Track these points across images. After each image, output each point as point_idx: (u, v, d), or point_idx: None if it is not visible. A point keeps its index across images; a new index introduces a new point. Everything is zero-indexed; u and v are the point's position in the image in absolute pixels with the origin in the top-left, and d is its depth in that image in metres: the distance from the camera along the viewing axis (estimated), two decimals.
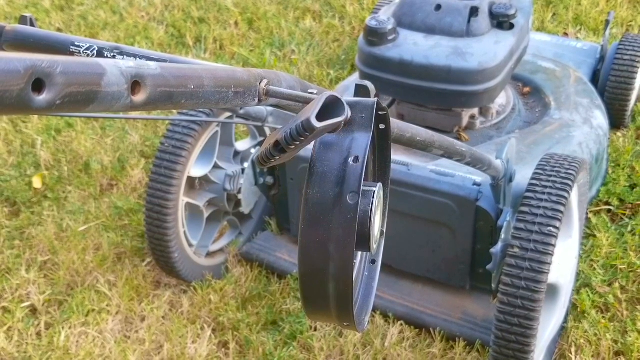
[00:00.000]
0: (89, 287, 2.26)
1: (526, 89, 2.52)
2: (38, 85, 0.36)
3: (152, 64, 0.44)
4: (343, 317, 0.61)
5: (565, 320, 2.02)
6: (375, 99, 0.58)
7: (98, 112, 0.41)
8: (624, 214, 2.43)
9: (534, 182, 1.69)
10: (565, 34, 3.54)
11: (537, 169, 1.74)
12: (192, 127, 2.01)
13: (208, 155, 2.11)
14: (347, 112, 0.54)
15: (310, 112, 0.51)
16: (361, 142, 0.56)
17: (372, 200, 0.58)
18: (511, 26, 2.08)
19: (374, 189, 0.59)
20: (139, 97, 0.43)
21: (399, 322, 2.04)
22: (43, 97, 0.36)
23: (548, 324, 1.88)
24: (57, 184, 2.75)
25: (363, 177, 0.55)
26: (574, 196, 1.86)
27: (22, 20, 0.97)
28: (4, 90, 0.33)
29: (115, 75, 0.40)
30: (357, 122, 0.56)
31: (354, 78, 2.72)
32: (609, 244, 2.26)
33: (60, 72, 0.36)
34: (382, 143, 0.67)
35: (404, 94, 2.14)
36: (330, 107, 0.54)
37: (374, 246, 0.61)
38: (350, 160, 0.55)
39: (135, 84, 0.43)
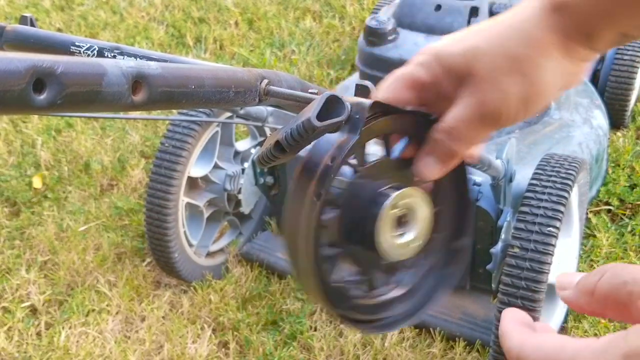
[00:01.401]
0: (89, 287, 2.26)
1: None
2: (39, 85, 0.36)
3: (152, 63, 0.44)
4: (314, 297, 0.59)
5: (565, 320, 2.02)
6: (372, 100, 0.57)
7: (99, 112, 0.41)
8: (624, 214, 2.43)
9: (534, 182, 1.69)
10: None
11: (537, 169, 1.74)
12: (192, 127, 2.01)
13: (208, 155, 2.11)
14: (348, 111, 0.54)
15: (311, 112, 0.51)
16: (345, 143, 0.55)
17: (384, 205, 0.57)
18: None
19: (391, 195, 0.57)
20: (140, 97, 0.43)
21: None
22: (44, 97, 0.36)
23: (548, 323, 1.88)
24: (57, 184, 2.75)
25: (333, 177, 0.54)
26: (574, 196, 1.86)
27: (22, 20, 0.97)
28: (4, 90, 0.33)
29: (116, 75, 0.40)
30: (350, 123, 0.55)
31: (354, 78, 2.72)
32: (609, 244, 2.27)
33: (61, 72, 0.36)
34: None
35: None
36: (331, 107, 0.54)
37: (385, 251, 0.59)
38: (329, 160, 0.55)
39: (136, 84, 0.43)
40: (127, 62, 0.42)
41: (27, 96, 0.35)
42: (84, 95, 0.38)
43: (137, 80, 0.43)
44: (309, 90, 0.63)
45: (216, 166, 2.16)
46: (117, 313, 2.17)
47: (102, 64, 0.40)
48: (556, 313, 1.92)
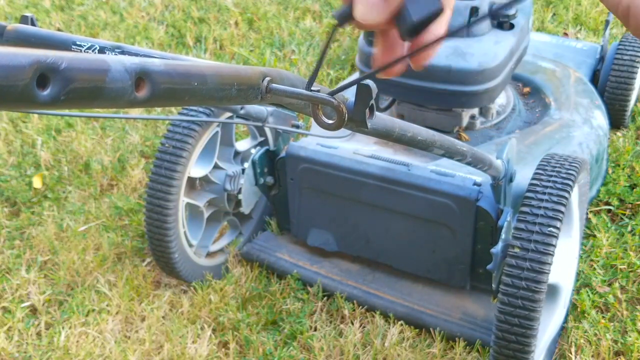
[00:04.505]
0: (89, 287, 2.26)
1: (526, 89, 2.52)
2: (42, 80, 0.36)
3: (156, 60, 0.44)
4: None
5: (565, 320, 2.02)
6: None
7: (102, 108, 0.41)
8: (624, 214, 2.43)
9: (535, 182, 1.69)
10: (565, 34, 3.54)
11: (537, 169, 1.74)
12: (192, 127, 2.01)
13: (208, 155, 2.11)
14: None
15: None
16: None
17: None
18: (511, 26, 2.09)
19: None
20: (143, 94, 0.43)
21: (399, 322, 2.04)
22: (47, 93, 0.36)
23: (548, 323, 1.88)
24: (57, 184, 2.75)
25: None
26: (574, 196, 1.86)
27: (23, 19, 0.97)
28: (8, 85, 0.33)
29: (119, 72, 0.40)
30: None
31: (355, 78, 2.72)
32: (609, 244, 2.27)
33: (65, 68, 0.36)
34: None
35: (404, 94, 2.14)
36: None
37: None
38: None
39: (139, 81, 0.43)
40: (130, 58, 0.42)
41: (30, 91, 0.35)
42: (88, 91, 0.38)
43: (140, 77, 0.43)
44: (311, 88, 0.63)
45: (216, 166, 2.16)
46: (117, 313, 2.16)
47: (105, 60, 0.40)
48: (556, 313, 1.92)
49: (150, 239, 2.06)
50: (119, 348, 2.03)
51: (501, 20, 2.07)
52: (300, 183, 2.15)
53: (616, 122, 2.76)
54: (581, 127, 2.29)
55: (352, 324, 2.06)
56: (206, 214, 2.20)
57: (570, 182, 1.67)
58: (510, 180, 1.77)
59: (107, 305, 2.19)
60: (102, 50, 0.85)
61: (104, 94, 0.39)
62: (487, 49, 2.01)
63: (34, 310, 2.21)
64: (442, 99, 2.08)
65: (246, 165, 2.23)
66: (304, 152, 2.08)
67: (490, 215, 1.84)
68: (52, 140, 2.98)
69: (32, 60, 0.35)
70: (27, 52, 0.35)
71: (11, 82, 0.33)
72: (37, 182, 2.75)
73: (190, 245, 2.16)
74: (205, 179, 2.18)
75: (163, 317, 2.15)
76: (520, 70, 2.51)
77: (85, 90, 0.38)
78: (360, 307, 2.10)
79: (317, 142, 2.11)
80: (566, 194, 1.64)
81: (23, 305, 2.21)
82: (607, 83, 2.71)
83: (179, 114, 2.19)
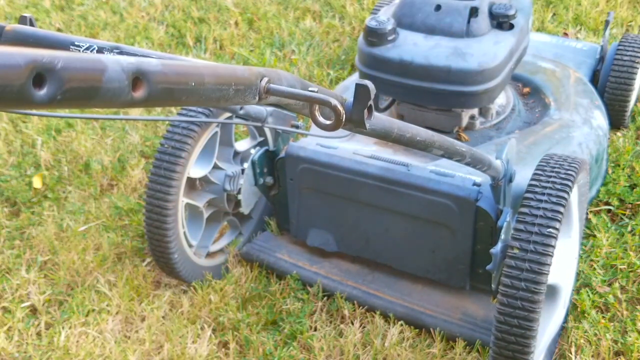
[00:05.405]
0: (89, 287, 2.26)
1: (526, 90, 2.52)
2: (39, 80, 0.36)
3: (153, 60, 0.44)
4: None
5: (565, 320, 2.01)
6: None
7: (99, 108, 0.41)
8: (624, 214, 2.43)
9: (534, 182, 1.69)
10: (565, 34, 3.54)
11: (536, 169, 1.74)
12: (191, 127, 2.01)
13: (208, 155, 2.11)
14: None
15: None
16: None
17: None
18: (511, 26, 2.09)
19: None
20: (140, 94, 0.43)
21: (399, 322, 2.04)
22: (44, 92, 0.36)
23: (548, 324, 1.88)
24: (57, 184, 2.75)
25: None
26: (573, 196, 1.86)
27: (22, 20, 0.98)
28: (4, 84, 0.33)
29: (116, 71, 0.40)
30: None
31: (354, 78, 2.72)
32: (609, 244, 2.26)
33: (61, 67, 0.36)
34: None
35: (404, 95, 2.14)
36: None
37: None
38: None
39: (136, 80, 0.43)
40: (127, 58, 0.42)
41: (27, 91, 0.35)
42: (84, 91, 0.38)
43: (137, 77, 0.42)
44: (309, 89, 0.63)
45: (216, 167, 2.16)
46: (117, 313, 2.16)
47: (102, 59, 0.40)
48: (556, 313, 1.92)
49: (149, 239, 2.06)
50: (119, 348, 2.03)
51: (501, 21, 2.07)
52: (299, 183, 2.15)
53: (616, 122, 2.76)
54: (581, 128, 2.29)
55: (352, 324, 2.06)
56: (206, 214, 2.20)
57: (569, 183, 1.67)
58: (510, 180, 1.77)
59: (107, 305, 2.19)
60: (100, 50, 0.85)
61: (100, 93, 0.39)
62: (486, 49, 2.00)
63: (34, 310, 2.21)
64: (442, 99, 2.08)
65: (246, 165, 2.23)
66: (303, 153, 2.08)
67: (490, 215, 1.84)
68: (52, 140, 2.98)
69: (29, 59, 0.34)
70: (23, 51, 0.34)
71: (7, 82, 0.33)
72: (37, 182, 2.75)
73: (190, 246, 2.16)
74: (204, 179, 2.18)
75: (163, 317, 2.15)
76: (520, 70, 2.51)
77: (81, 90, 0.38)
78: (360, 307, 2.10)
79: (317, 142, 2.11)
80: (565, 195, 1.64)
81: (23, 305, 2.21)
82: (607, 83, 2.71)
83: (178, 114, 2.19)
